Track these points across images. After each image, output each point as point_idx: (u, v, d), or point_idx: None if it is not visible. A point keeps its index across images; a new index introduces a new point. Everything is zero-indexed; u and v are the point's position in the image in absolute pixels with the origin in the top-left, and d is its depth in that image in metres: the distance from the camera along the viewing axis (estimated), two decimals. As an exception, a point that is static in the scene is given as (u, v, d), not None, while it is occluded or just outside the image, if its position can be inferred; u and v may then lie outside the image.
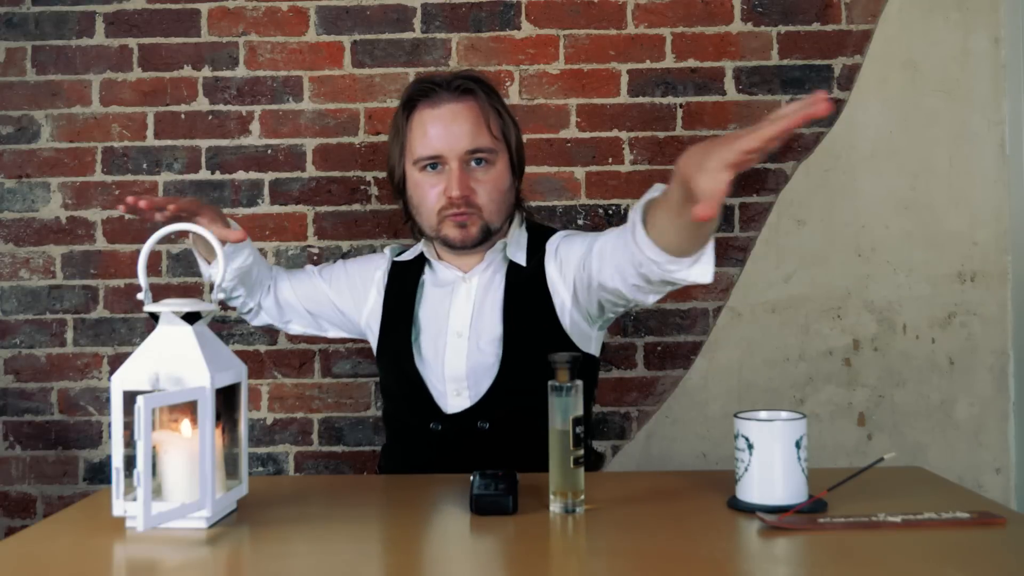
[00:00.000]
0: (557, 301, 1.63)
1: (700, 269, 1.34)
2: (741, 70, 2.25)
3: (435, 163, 1.61)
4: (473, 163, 1.61)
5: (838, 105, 2.24)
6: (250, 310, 1.81)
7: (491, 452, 1.47)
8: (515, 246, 1.68)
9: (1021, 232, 2.20)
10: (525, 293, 1.64)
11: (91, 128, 2.27)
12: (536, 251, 1.68)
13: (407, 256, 1.75)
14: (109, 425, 2.08)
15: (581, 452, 1.24)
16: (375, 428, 2.25)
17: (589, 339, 1.66)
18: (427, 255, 1.71)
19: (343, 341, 2.23)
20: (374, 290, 1.76)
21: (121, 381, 1.18)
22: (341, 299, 1.78)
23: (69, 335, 2.27)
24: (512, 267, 1.66)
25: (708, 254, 1.34)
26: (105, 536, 1.17)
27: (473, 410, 1.60)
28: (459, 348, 1.63)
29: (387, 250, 1.81)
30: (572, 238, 1.67)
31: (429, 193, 1.62)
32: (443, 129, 1.59)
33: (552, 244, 1.68)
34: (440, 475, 1.46)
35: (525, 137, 2.24)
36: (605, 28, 2.26)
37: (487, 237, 1.64)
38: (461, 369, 1.62)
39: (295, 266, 2.25)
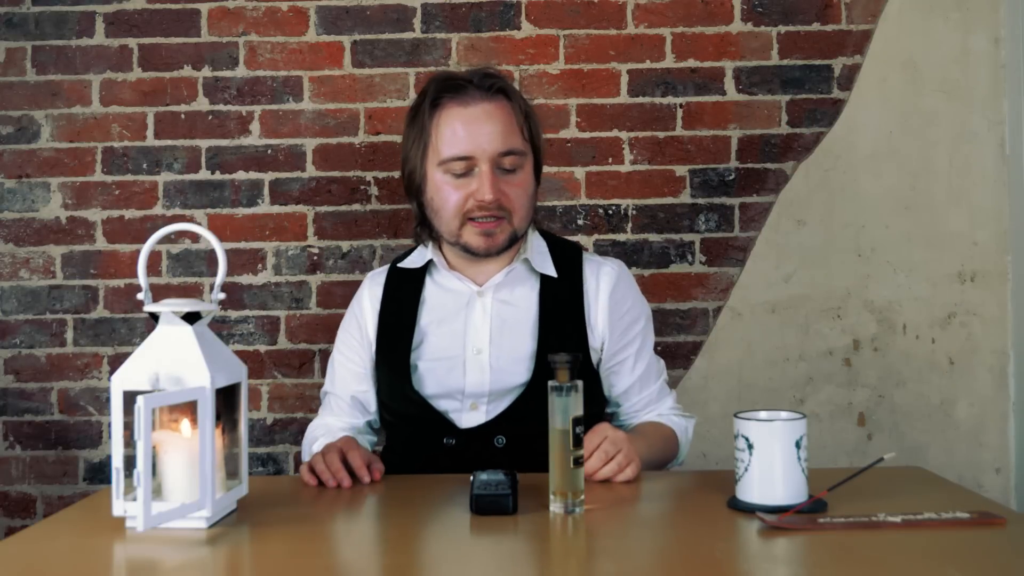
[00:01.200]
0: (588, 323, 1.62)
1: None
2: (741, 70, 2.25)
3: (462, 166, 1.54)
4: (503, 166, 1.55)
5: (837, 105, 2.25)
6: None
7: (505, 466, 1.40)
8: (539, 256, 1.63)
9: (1021, 232, 2.20)
10: (561, 311, 1.60)
11: (91, 128, 2.27)
12: (563, 263, 1.64)
13: (412, 263, 1.67)
14: (109, 425, 2.08)
15: (581, 452, 1.24)
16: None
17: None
18: (436, 263, 1.64)
19: (343, 341, 2.23)
20: (370, 311, 1.67)
21: (121, 381, 1.18)
22: (367, 360, 1.68)
23: (69, 335, 2.27)
24: (544, 281, 1.62)
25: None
26: (105, 536, 1.17)
27: (489, 425, 1.57)
28: (481, 365, 1.58)
29: (363, 288, 1.71)
30: (626, 301, 1.68)
31: (453, 196, 1.55)
32: (475, 129, 1.53)
33: (603, 282, 1.64)
34: (440, 475, 1.46)
35: (525, 137, 2.24)
36: (605, 28, 2.26)
37: (511, 245, 1.59)
38: (484, 387, 1.57)
39: (295, 266, 2.25)
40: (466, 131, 1.53)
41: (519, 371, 1.57)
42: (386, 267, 1.72)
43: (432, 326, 1.62)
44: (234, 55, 2.27)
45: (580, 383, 1.25)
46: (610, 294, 1.64)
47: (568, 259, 1.66)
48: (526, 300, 1.62)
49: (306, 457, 1.64)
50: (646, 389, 1.68)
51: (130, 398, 1.12)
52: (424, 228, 1.65)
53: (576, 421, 1.24)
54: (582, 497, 1.24)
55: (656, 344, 2.22)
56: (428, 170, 1.58)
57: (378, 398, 1.68)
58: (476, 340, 1.60)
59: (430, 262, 1.65)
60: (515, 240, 1.59)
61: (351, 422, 1.66)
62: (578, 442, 1.24)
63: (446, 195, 1.56)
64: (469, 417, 1.58)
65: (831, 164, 2.25)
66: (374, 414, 1.70)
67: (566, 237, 2.20)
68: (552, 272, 1.62)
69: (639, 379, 1.67)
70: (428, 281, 1.66)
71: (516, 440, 1.55)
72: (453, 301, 1.63)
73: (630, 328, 1.67)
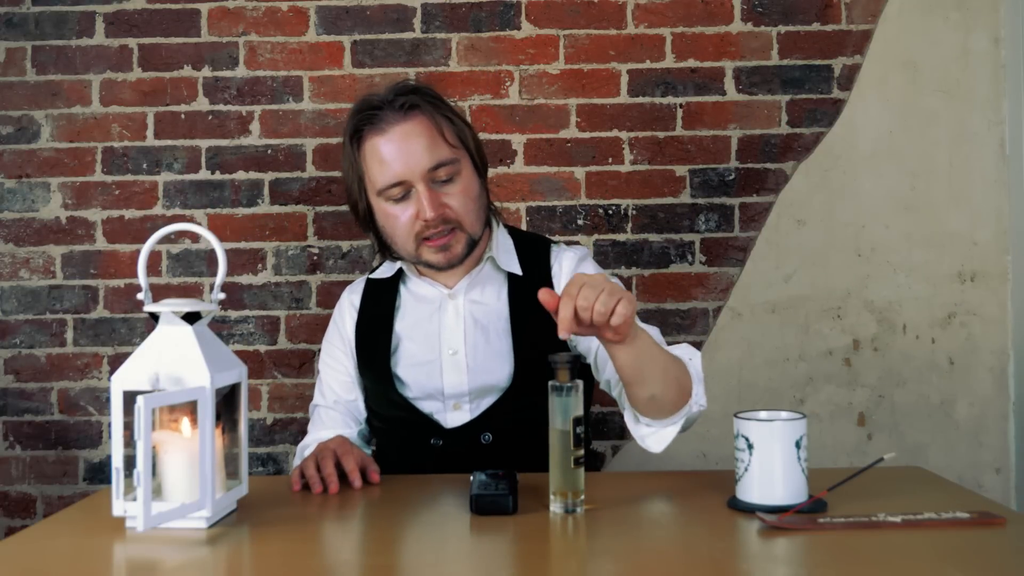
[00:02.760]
0: None
1: (654, 439, 1.45)
2: (741, 70, 2.25)
3: (399, 190, 1.53)
4: (439, 179, 1.54)
5: (837, 105, 2.25)
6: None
7: (494, 462, 1.43)
8: (505, 255, 1.63)
9: (1021, 232, 2.20)
10: (531, 306, 1.59)
11: (91, 128, 2.27)
12: (529, 258, 1.64)
13: (383, 274, 1.69)
14: (109, 425, 2.08)
15: (581, 452, 1.24)
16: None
17: (588, 350, 1.64)
18: (407, 271, 1.66)
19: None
20: (350, 322, 1.69)
21: (121, 381, 1.18)
22: (354, 369, 1.70)
23: (69, 335, 2.27)
24: (511, 279, 1.62)
25: (670, 431, 1.43)
26: (105, 536, 1.17)
27: (475, 423, 1.58)
28: (457, 366, 1.59)
29: (343, 299, 1.73)
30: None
31: (400, 220, 1.55)
32: (398, 152, 1.52)
33: (564, 265, 1.63)
34: (440, 475, 1.46)
35: (525, 137, 2.25)
36: (605, 28, 2.26)
37: (471, 250, 1.59)
38: (463, 387, 1.59)
39: (295, 266, 2.25)
40: (391, 157, 1.52)
41: (496, 369, 1.58)
42: (363, 279, 1.74)
43: (408, 331, 1.64)
44: (234, 55, 2.27)
45: (580, 383, 1.25)
46: (571, 274, 1.62)
47: (536, 254, 1.66)
48: (497, 299, 1.63)
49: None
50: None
51: (130, 398, 1.12)
52: (386, 251, 1.65)
53: (576, 421, 1.24)
54: (582, 497, 1.24)
55: (656, 344, 2.23)
56: (371, 201, 1.59)
57: (366, 404, 1.69)
58: (451, 342, 1.61)
59: (401, 271, 1.67)
60: (474, 245, 1.59)
61: (344, 433, 1.66)
62: (578, 442, 1.24)
63: (394, 221, 1.56)
64: (453, 417, 1.59)
65: (831, 164, 2.25)
66: (365, 424, 1.71)
67: (565, 238, 2.21)
68: (517, 270, 1.63)
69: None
70: (402, 289, 1.68)
71: (502, 436, 1.57)
72: (426, 306, 1.64)
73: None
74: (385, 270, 1.69)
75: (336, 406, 1.68)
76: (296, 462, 1.68)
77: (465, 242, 1.57)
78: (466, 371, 1.59)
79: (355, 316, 1.69)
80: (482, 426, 1.57)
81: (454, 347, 1.60)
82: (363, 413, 1.70)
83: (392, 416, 1.63)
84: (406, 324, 1.65)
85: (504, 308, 1.62)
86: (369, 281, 1.72)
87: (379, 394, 1.64)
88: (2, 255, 2.27)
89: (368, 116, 1.55)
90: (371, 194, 1.58)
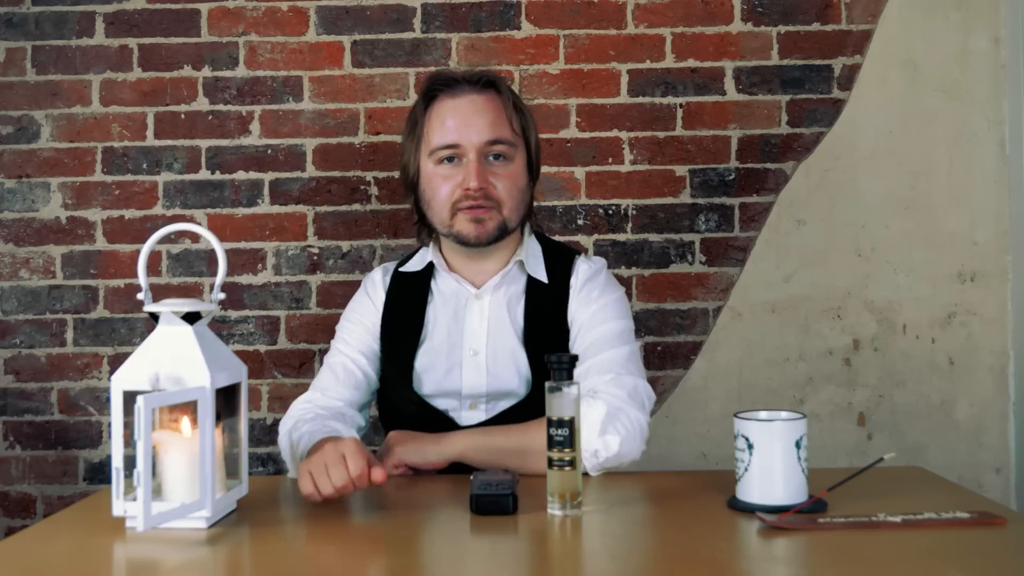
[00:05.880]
0: (569, 321, 1.61)
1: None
2: (741, 70, 2.25)
3: (452, 155, 1.56)
4: (491, 157, 1.57)
5: (837, 105, 2.25)
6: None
7: None
8: (533, 259, 1.64)
9: (1021, 232, 2.20)
10: (548, 314, 1.60)
11: (91, 128, 2.27)
12: (556, 268, 1.64)
13: (413, 267, 1.68)
14: (109, 425, 2.08)
15: (561, 453, 1.24)
16: (375, 428, 2.25)
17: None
18: (437, 265, 1.65)
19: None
20: (380, 303, 1.68)
21: (121, 381, 1.18)
22: (372, 341, 1.68)
23: (69, 335, 2.27)
24: (531, 283, 1.62)
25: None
26: (105, 536, 1.18)
27: (489, 424, 1.57)
28: (478, 366, 1.59)
29: (376, 272, 1.71)
30: (595, 289, 1.62)
31: (443, 185, 1.57)
32: (463, 119, 1.56)
33: (580, 276, 1.63)
34: (440, 475, 1.46)
35: (525, 137, 2.24)
36: (605, 28, 2.26)
37: (502, 236, 1.59)
38: (481, 387, 1.59)
39: (295, 266, 2.25)
40: (454, 121, 1.57)
41: (515, 372, 1.58)
42: (392, 265, 1.72)
43: (431, 328, 1.64)
44: (234, 55, 2.27)
45: (578, 384, 1.25)
46: (581, 287, 1.63)
47: (561, 263, 1.66)
48: (521, 303, 1.63)
49: (283, 440, 1.59)
50: (590, 356, 1.56)
51: (130, 398, 1.13)
52: (423, 226, 1.66)
53: (573, 422, 1.23)
54: (580, 499, 1.24)
55: (656, 344, 2.24)
56: (421, 162, 1.61)
57: (381, 397, 1.69)
58: (473, 342, 1.61)
59: (430, 264, 1.67)
60: (505, 231, 1.59)
61: (344, 394, 1.62)
62: (568, 443, 1.23)
63: (436, 185, 1.58)
64: (469, 416, 1.59)
65: (831, 164, 2.25)
66: (363, 394, 1.66)
67: (565, 238, 2.21)
68: (543, 277, 1.63)
69: (593, 343, 1.57)
70: (431, 283, 1.67)
71: None
72: (452, 303, 1.64)
73: (593, 302, 1.61)
74: (415, 263, 1.69)
75: (345, 362, 1.65)
76: (283, 429, 1.61)
77: (498, 223, 1.58)
78: (485, 373, 1.59)
79: (381, 308, 1.66)
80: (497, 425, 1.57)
81: (475, 348, 1.60)
82: (365, 385, 1.65)
83: (407, 412, 1.63)
84: (431, 320, 1.64)
85: (520, 312, 1.61)
86: (397, 273, 1.70)
87: (397, 388, 1.63)
88: (2, 255, 2.27)
89: (447, 80, 1.61)
90: (423, 154, 1.60)
